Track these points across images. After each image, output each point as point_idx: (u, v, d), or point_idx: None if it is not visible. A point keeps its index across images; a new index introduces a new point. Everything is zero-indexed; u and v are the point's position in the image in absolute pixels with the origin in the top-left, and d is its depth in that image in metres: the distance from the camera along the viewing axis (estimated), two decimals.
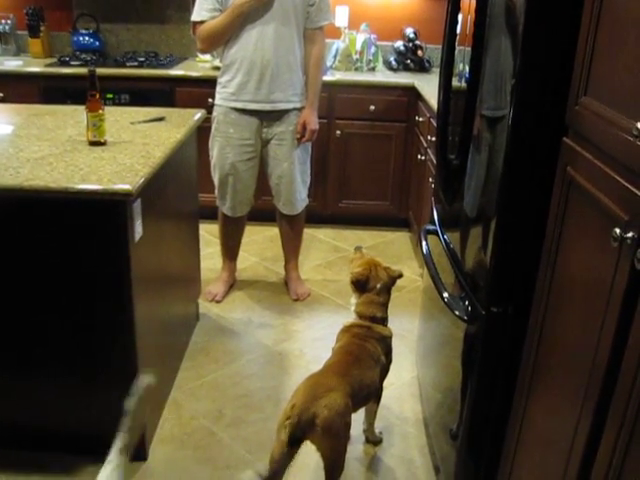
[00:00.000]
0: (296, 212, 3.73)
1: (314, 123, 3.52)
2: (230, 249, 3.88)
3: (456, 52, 2.47)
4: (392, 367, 2.56)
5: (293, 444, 2.07)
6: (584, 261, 1.49)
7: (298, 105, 3.49)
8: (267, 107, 3.42)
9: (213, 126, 3.54)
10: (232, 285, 3.90)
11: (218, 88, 3.51)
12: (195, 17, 3.35)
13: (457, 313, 2.10)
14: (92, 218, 2.21)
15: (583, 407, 1.42)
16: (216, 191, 3.65)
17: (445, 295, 2.23)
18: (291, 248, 3.90)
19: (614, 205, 1.31)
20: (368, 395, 2.42)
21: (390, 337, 2.52)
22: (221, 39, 3.36)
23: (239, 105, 3.43)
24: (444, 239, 2.54)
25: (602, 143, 1.39)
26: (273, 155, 3.55)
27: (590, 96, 1.48)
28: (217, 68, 4.12)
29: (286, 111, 3.47)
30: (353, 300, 2.54)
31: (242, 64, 3.35)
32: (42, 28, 4.87)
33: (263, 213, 4.07)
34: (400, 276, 2.55)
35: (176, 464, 2.52)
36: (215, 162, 3.57)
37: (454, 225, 2.42)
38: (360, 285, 2.50)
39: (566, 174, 1.58)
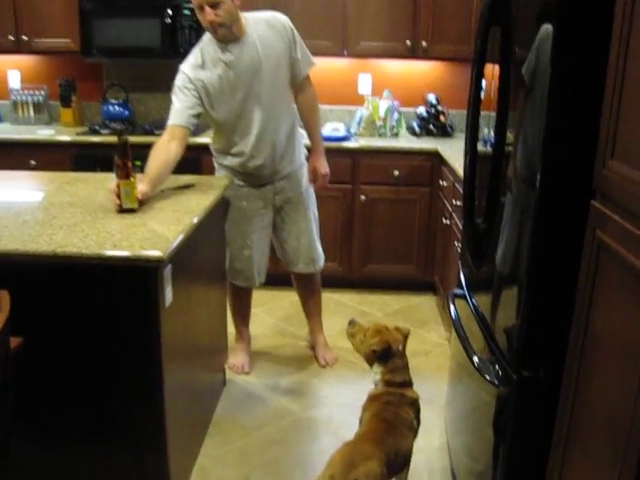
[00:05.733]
0: (319, 267, 3.69)
1: (324, 167, 3.50)
2: (244, 316, 3.79)
3: (480, 117, 2.51)
4: (421, 433, 2.52)
5: None
6: (617, 323, 1.47)
7: (299, 163, 3.48)
8: (275, 178, 3.40)
9: None
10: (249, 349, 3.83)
11: (226, 162, 3.41)
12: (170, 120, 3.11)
13: (488, 378, 2.08)
14: (124, 284, 2.24)
15: (621, 475, 1.39)
16: (227, 263, 3.52)
17: (475, 359, 2.21)
18: (315, 309, 3.86)
19: None
20: (403, 463, 2.40)
21: (418, 399, 2.50)
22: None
23: (249, 188, 3.41)
24: (472, 303, 2.53)
25: (631, 205, 1.40)
26: (289, 220, 3.52)
27: (617, 159, 1.49)
28: None
29: (289, 174, 3.45)
30: (376, 369, 2.50)
31: (251, 159, 3.30)
32: (74, 98, 5.05)
33: (283, 278, 4.04)
34: (409, 332, 2.57)
35: None
36: (229, 237, 3.46)
37: (483, 289, 2.42)
38: (385, 354, 2.46)
39: (595, 237, 1.58)
